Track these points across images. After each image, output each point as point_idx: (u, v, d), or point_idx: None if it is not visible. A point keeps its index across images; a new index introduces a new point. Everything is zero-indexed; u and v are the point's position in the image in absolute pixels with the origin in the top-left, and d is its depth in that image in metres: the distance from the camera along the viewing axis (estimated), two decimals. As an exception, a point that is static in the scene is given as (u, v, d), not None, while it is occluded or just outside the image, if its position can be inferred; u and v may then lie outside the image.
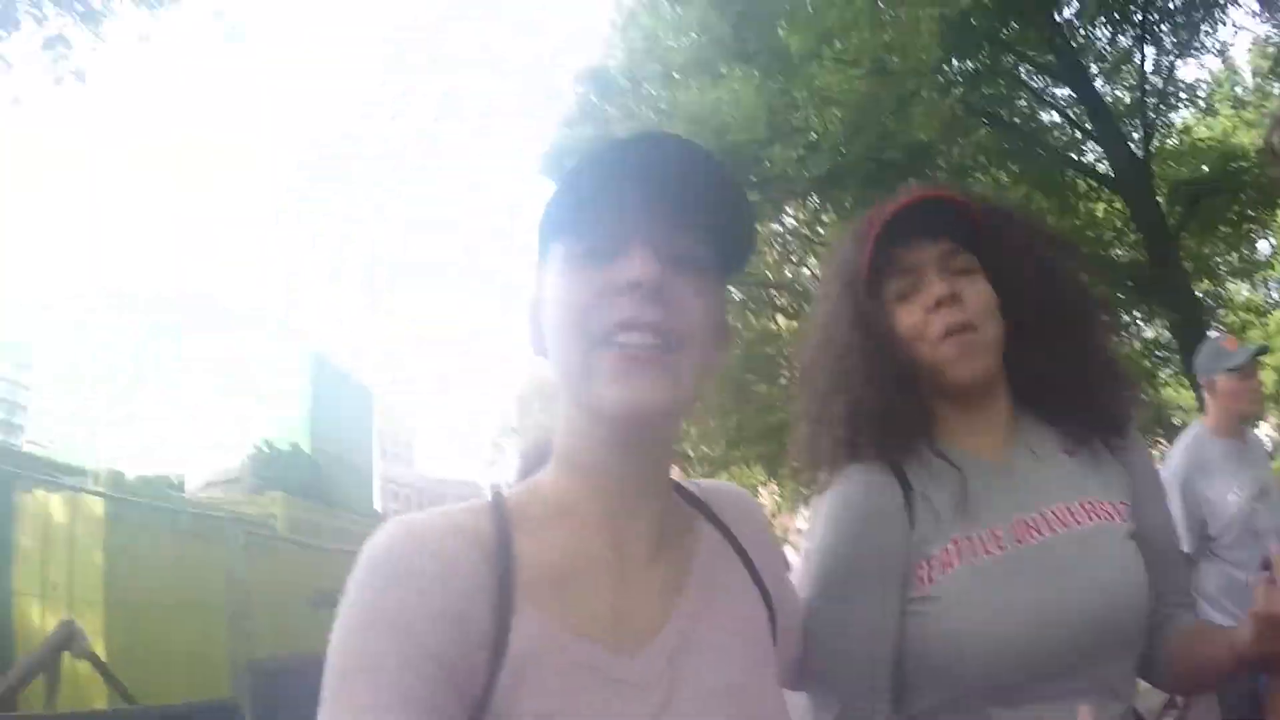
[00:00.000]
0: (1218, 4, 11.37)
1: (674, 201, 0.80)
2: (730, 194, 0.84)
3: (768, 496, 20.56)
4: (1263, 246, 15.37)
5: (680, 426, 0.90)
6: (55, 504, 6.17)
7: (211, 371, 14.40)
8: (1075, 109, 11.48)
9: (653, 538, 0.86)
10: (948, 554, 1.10)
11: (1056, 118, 12.22)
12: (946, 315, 1.14)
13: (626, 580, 0.83)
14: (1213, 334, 4.80)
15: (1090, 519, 1.14)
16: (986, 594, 1.07)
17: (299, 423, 13.60)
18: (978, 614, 1.06)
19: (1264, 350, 3.52)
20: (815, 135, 9.14)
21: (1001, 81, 11.16)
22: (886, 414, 1.16)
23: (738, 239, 0.87)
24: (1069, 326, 1.20)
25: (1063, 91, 11.68)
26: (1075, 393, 1.20)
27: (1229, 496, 3.02)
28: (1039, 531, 1.12)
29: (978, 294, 1.16)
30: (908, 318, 1.18)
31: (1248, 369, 3.20)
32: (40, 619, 5.77)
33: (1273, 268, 16.15)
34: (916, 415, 1.19)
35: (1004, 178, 11.49)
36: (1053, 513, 1.13)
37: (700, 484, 1.01)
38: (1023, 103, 12.06)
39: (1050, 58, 11.02)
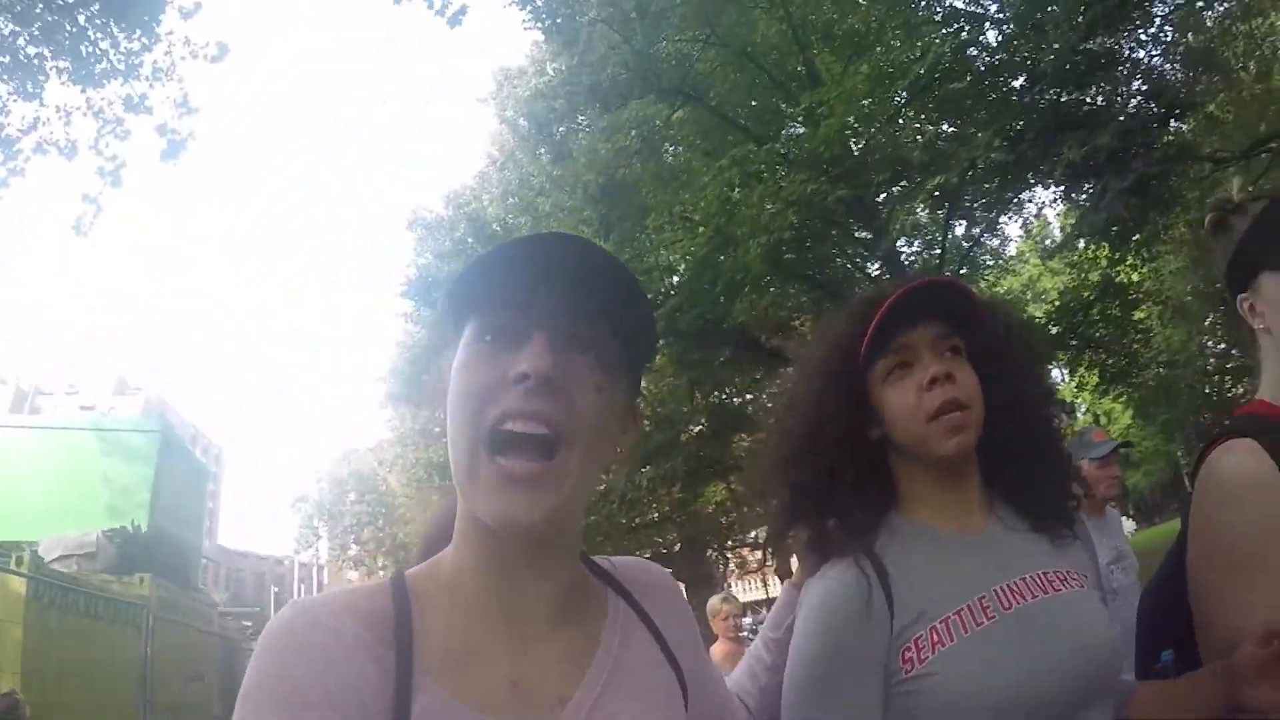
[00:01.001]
0: (1027, 184, 13.49)
1: (578, 292, 0.82)
2: (632, 291, 0.86)
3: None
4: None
5: (577, 509, 0.88)
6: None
7: (60, 439, 14.01)
8: (885, 272, 13.25)
9: (553, 611, 0.86)
10: (937, 633, 1.13)
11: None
12: (940, 394, 1.19)
13: (527, 654, 0.83)
14: (1088, 426, 5.50)
15: (1065, 586, 1.21)
16: (985, 660, 1.10)
17: (142, 498, 13.24)
18: (980, 680, 1.09)
19: (1127, 445, 4.06)
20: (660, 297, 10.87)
21: (822, 247, 13.28)
22: (860, 486, 1.25)
23: (640, 332, 0.89)
24: (1036, 415, 1.31)
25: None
26: (1036, 475, 1.28)
27: None
28: (1022, 597, 1.17)
29: (967, 375, 1.22)
30: (899, 395, 1.24)
31: (1107, 460, 3.69)
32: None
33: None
34: (887, 488, 1.28)
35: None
36: (1030, 580, 1.19)
37: (613, 560, 1.02)
38: (840, 263, 14.31)
39: (865, 234, 13.08)
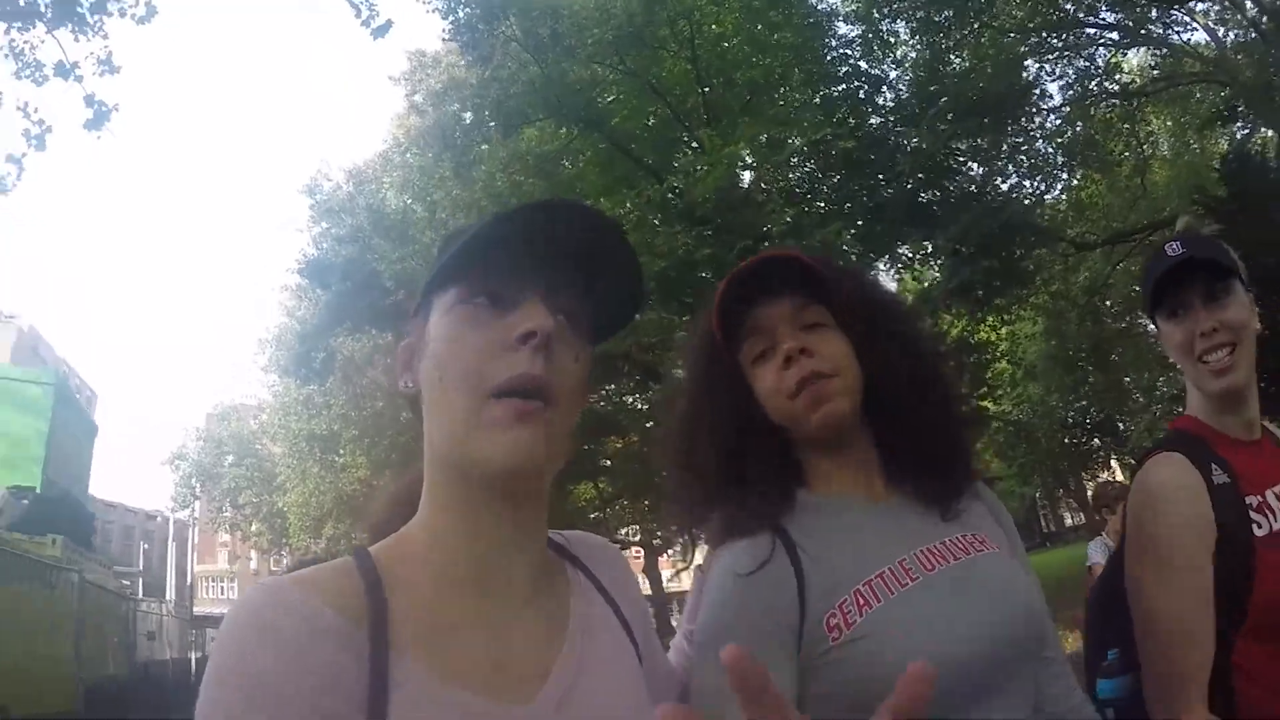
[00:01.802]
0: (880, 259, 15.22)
1: (572, 261, 0.85)
2: (627, 261, 0.90)
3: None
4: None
5: (547, 480, 0.90)
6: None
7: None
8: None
9: (527, 586, 0.88)
10: (862, 596, 1.10)
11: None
12: (797, 370, 1.18)
13: (504, 629, 0.84)
14: None
15: (984, 548, 1.20)
16: (919, 619, 1.08)
17: (37, 451, 13.31)
18: (916, 640, 1.06)
19: (990, 480, 4.21)
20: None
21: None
22: (759, 468, 1.23)
23: (625, 301, 0.94)
24: (920, 373, 1.26)
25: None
26: (932, 437, 1.25)
27: None
28: (943, 559, 1.16)
29: (828, 344, 1.21)
30: (762, 376, 1.24)
31: None
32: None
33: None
34: (789, 466, 1.26)
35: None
36: (947, 543, 1.18)
37: (565, 534, 1.04)
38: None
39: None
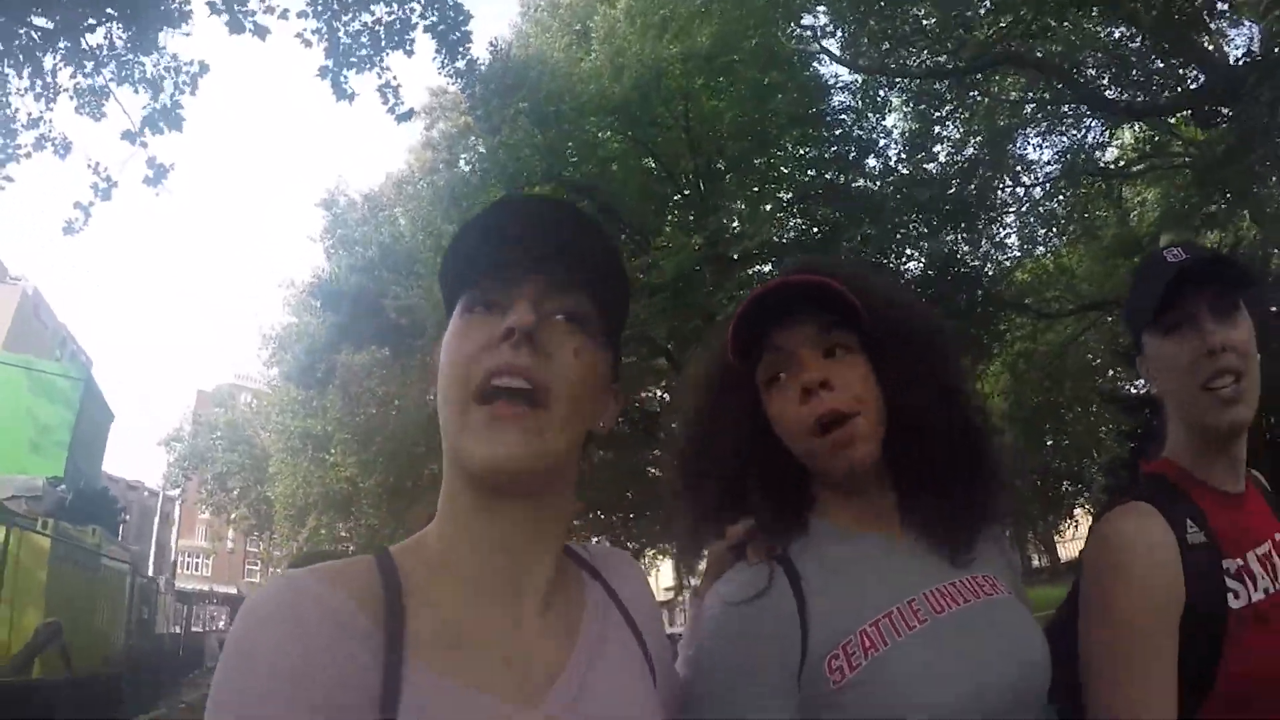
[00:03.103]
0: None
1: (558, 259, 0.89)
2: (609, 260, 0.94)
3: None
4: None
5: (563, 485, 0.93)
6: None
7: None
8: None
9: (542, 592, 0.91)
10: (868, 638, 1.07)
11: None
12: (818, 405, 1.14)
13: (518, 632, 0.87)
14: None
15: (995, 592, 1.17)
16: (926, 665, 1.06)
17: (63, 439, 14.49)
18: (920, 686, 1.04)
19: None
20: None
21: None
22: (769, 492, 1.20)
23: (615, 301, 0.96)
24: (946, 407, 1.20)
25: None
26: (953, 474, 1.19)
27: None
28: (954, 601, 1.13)
29: (852, 376, 1.16)
30: (778, 404, 1.19)
31: None
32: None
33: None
34: (802, 492, 1.23)
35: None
36: (959, 584, 1.15)
37: (588, 547, 1.08)
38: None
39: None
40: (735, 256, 14.48)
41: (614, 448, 16.49)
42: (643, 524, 21.71)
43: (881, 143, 18.10)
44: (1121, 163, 18.66)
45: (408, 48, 10.05)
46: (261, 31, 8.84)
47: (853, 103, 17.30)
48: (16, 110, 9.58)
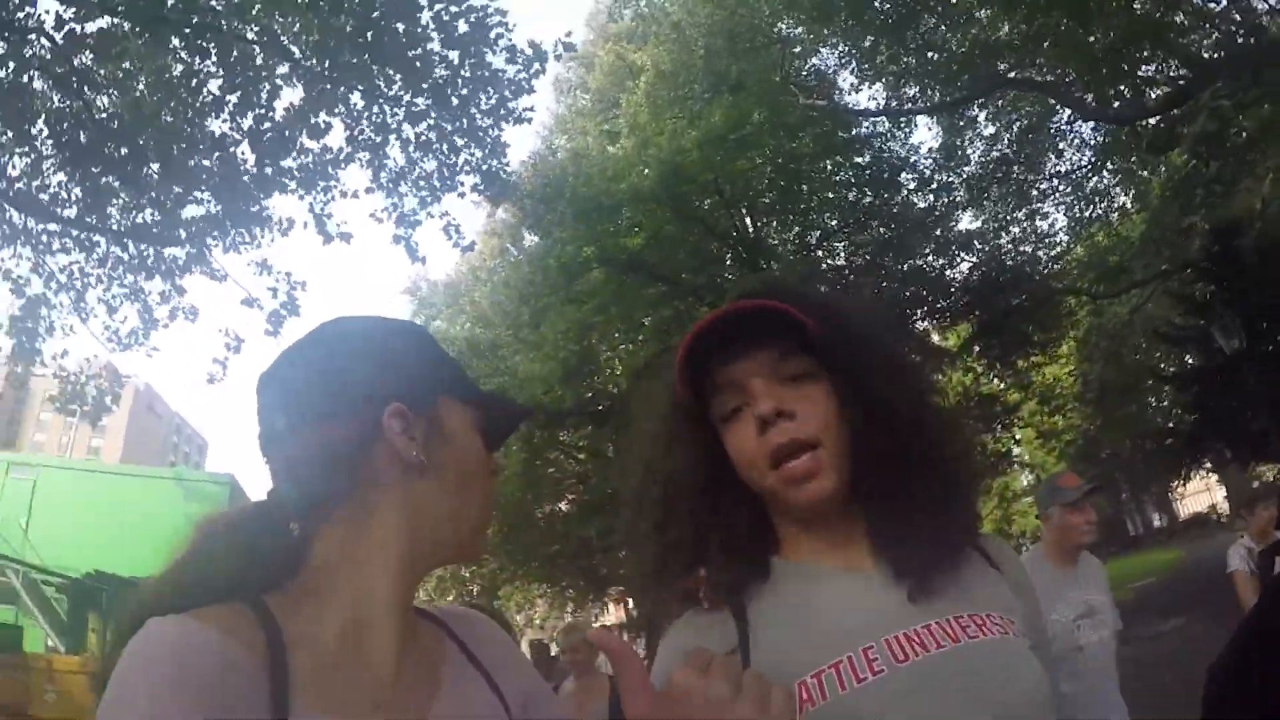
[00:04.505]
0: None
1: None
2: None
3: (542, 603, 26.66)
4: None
5: None
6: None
7: (145, 484, 16.41)
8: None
9: (404, 648, 0.95)
10: (806, 690, 0.99)
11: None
12: (775, 436, 1.08)
13: (385, 678, 0.91)
14: (1058, 472, 5.21)
15: (983, 632, 1.04)
16: None
17: None
18: None
19: (1098, 489, 3.80)
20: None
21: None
22: (726, 536, 1.14)
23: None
24: (919, 431, 1.11)
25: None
26: (927, 497, 1.10)
27: (1052, 617, 3.23)
28: (923, 647, 1.01)
29: (812, 404, 1.10)
30: (735, 440, 1.13)
31: (1081, 505, 3.55)
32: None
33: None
34: (763, 531, 1.17)
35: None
36: (936, 627, 1.03)
37: (439, 609, 1.12)
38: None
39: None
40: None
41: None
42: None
43: (913, 158, 19.62)
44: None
45: (459, 191, 12.39)
46: (346, 237, 11.04)
47: (879, 127, 18.83)
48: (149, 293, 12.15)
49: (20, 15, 8.83)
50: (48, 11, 9.87)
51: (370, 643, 0.92)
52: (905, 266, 18.30)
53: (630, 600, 28.29)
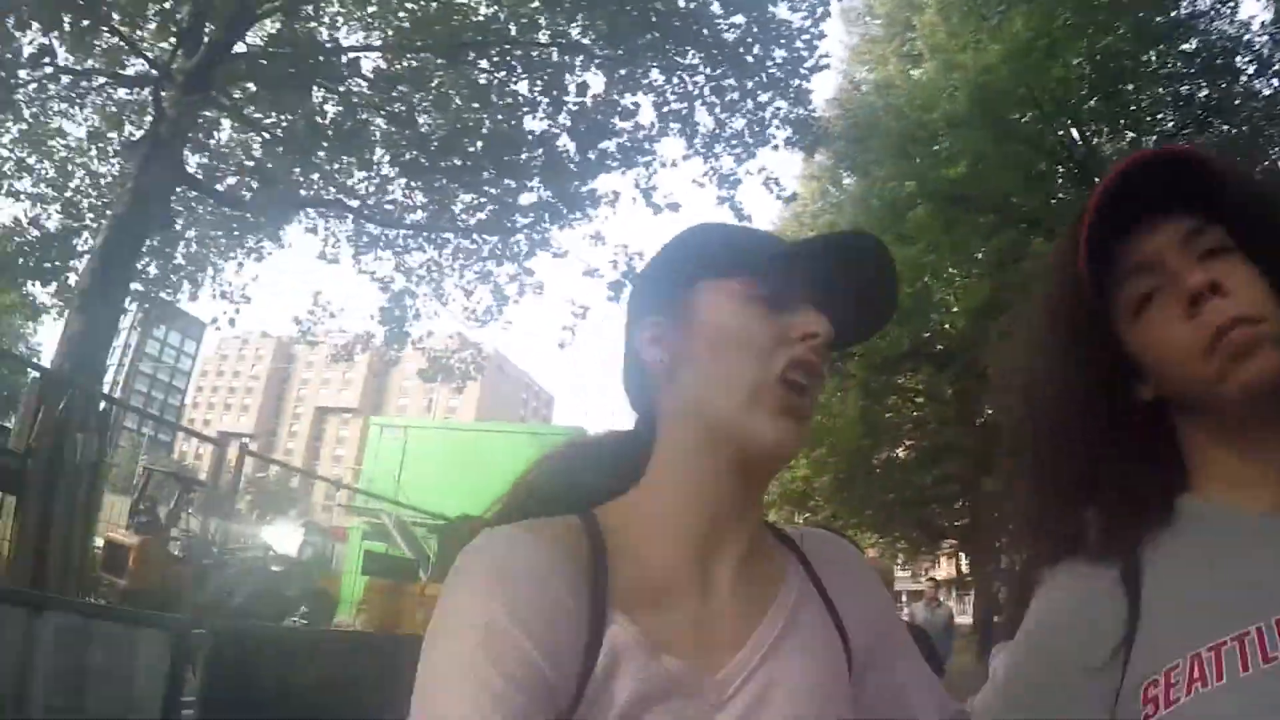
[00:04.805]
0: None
1: (849, 291, 0.96)
2: (887, 309, 1.03)
3: (873, 554, 26.18)
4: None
5: None
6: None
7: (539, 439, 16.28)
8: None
9: (739, 561, 0.92)
10: (1200, 666, 0.78)
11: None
12: (1211, 315, 0.85)
13: (711, 600, 0.89)
14: None
15: None
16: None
17: None
18: None
19: None
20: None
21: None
22: (1128, 466, 0.94)
23: (860, 335, 1.04)
24: None
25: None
26: None
27: None
28: None
29: (1245, 278, 0.87)
30: (1154, 330, 0.91)
31: None
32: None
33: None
34: (1174, 463, 0.95)
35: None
36: None
37: (800, 529, 1.06)
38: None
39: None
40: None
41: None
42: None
43: (1245, 36, 16.56)
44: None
45: (772, 144, 12.73)
46: (675, 207, 11.94)
47: (1200, 5, 16.30)
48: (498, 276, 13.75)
49: (334, 60, 10.97)
50: (365, 56, 11.81)
51: (720, 556, 0.91)
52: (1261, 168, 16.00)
53: (963, 554, 28.10)
